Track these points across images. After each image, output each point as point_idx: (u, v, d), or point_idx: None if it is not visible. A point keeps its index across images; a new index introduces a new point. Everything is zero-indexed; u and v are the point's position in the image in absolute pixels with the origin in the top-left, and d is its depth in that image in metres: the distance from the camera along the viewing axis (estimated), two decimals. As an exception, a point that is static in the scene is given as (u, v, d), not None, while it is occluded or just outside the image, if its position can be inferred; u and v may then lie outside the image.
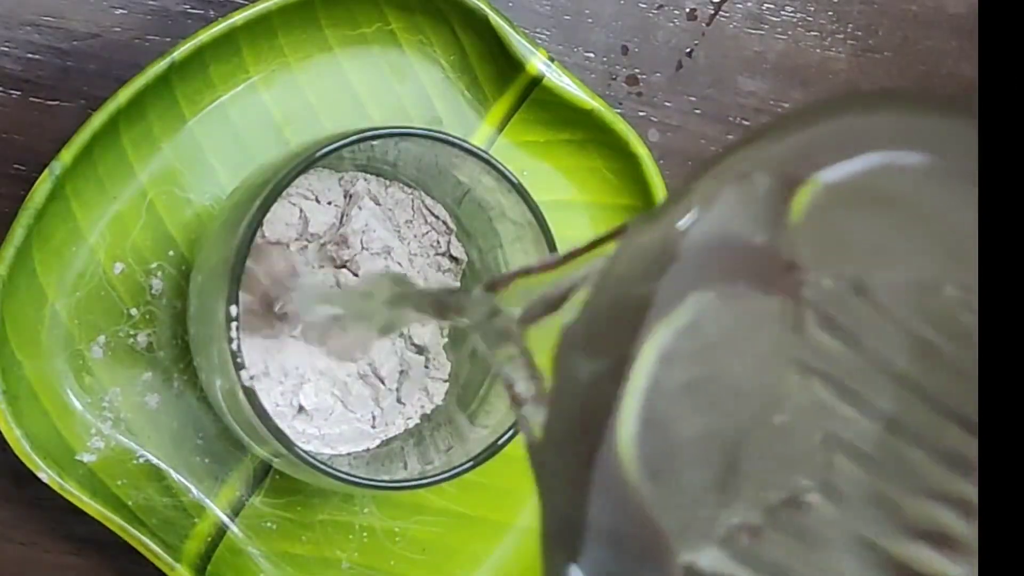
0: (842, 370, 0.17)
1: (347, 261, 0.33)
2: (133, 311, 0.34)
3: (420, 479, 0.30)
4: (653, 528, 0.17)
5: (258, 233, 0.31)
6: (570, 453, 0.18)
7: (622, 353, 0.17)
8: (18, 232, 0.32)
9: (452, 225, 0.35)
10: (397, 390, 0.35)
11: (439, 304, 0.23)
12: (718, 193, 0.17)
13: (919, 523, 0.17)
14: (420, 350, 0.35)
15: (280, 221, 0.33)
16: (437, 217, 0.35)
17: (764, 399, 0.18)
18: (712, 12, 0.41)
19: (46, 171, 0.33)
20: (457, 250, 0.35)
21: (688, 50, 0.40)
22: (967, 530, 0.16)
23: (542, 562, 0.18)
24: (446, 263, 0.35)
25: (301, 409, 0.33)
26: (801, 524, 0.18)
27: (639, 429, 0.17)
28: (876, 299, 0.17)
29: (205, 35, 0.34)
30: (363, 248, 0.33)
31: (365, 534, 0.36)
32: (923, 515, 0.17)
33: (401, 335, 0.35)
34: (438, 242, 0.35)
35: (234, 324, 0.28)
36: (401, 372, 0.35)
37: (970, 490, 0.16)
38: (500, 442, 0.31)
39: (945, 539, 0.17)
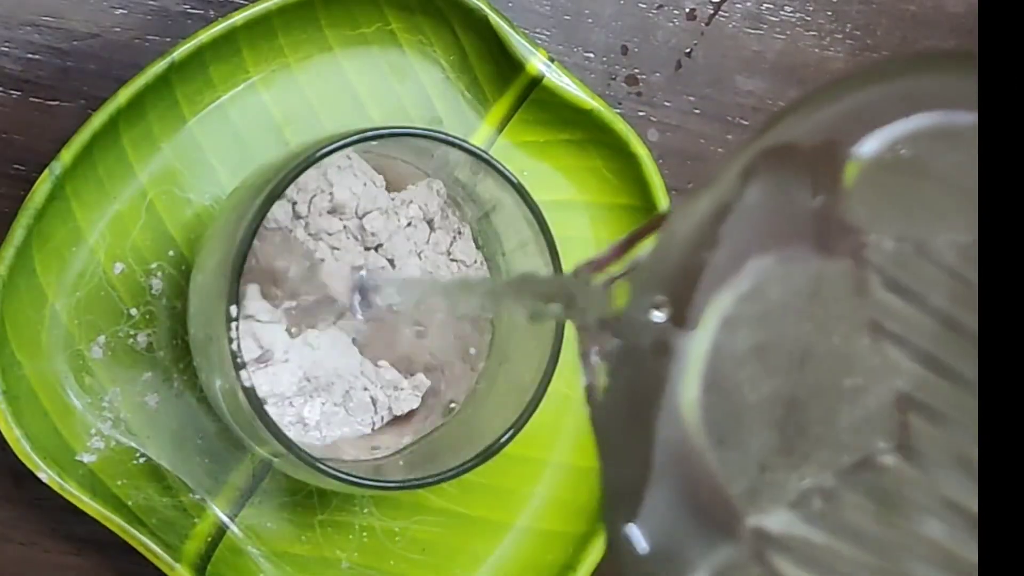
0: (912, 331, 0.17)
1: (380, 245, 0.33)
2: (133, 311, 0.34)
3: (420, 479, 0.30)
4: (718, 492, 0.17)
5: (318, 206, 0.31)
6: (632, 417, 0.18)
7: (682, 320, 0.17)
8: (18, 232, 0.32)
9: (464, 229, 0.35)
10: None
11: (559, 294, 0.22)
12: (771, 160, 0.17)
13: None
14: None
15: (347, 188, 0.32)
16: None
17: (833, 362, 0.18)
18: (711, 12, 0.41)
19: (46, 171, 0.33)
20: (463, 252, 0.35)
21: (687, 50, 0.40)
22: None
23: (602, 523, 0.18)
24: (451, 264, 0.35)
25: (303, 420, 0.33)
26: (877, 486, 0.17)
27: (702, 394, 0.17)
28: (942, 260, 0.17)
29: (205, 35, 0.34)
30: (408, 240, 0.33)
31: (365, 534, 0.36)
32: None
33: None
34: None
35: (234, 324, 0.28)
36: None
37: None
38: (500, 442, 0.31)
39: None
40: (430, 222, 0.34)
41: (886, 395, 0.18)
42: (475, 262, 0.35)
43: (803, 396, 0.18)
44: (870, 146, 0.17)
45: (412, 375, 0.34)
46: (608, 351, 0.19)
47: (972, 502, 0.17)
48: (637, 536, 0.17)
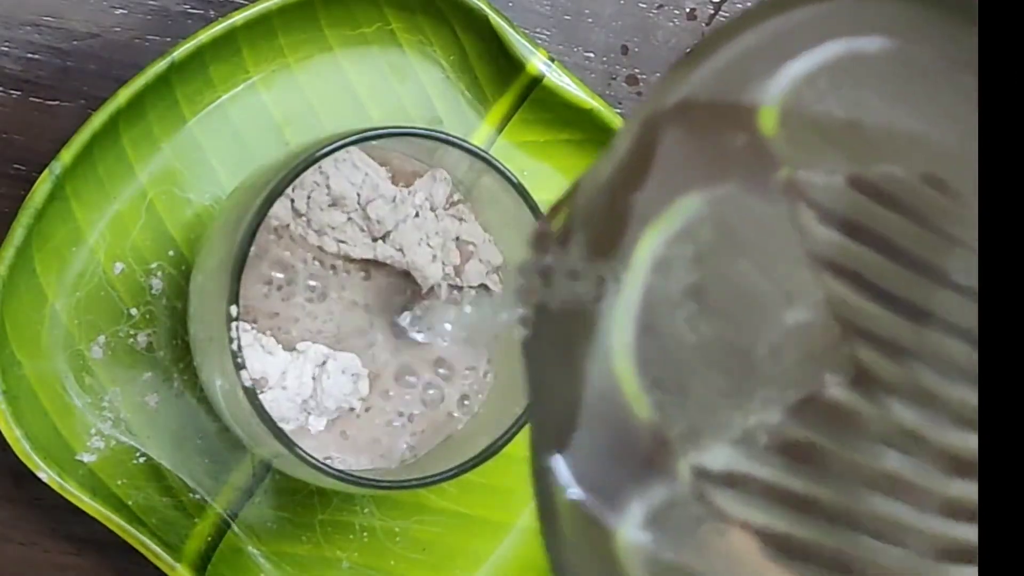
0: (855, 263, 0.17)
1: (388, 232, 0.33)
2: (133, 311, 0.34)
3: (420, 479, 0.30)
4: (653, 433, 0.17)
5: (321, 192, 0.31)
6: (563, 362, 0.18)
7: (607, 264, 0.17)
8: (18, 232, 0.32)
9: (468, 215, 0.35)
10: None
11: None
12: (692, 99, 0.17)
13: (967, 411, 0.16)
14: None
15: (345, 179, 0.32)
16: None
17: (774, 298, 0.17)
18: (712, 12, 0.41)
19: (46, 171, 0.33)
20: (470, 235, 0.34)
21: (688, 50, 0.40)
22: None
23: (530, 462, 0.18)
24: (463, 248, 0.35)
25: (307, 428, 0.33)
26: (828, 420, 0.17)
27: (636, 338, 0.17)
28: (880, 192, 0.17)
29: (205, 35, 0.34)
30: (417, 229, 0.33)
31: (365, 534, 0.36)
32: (970, 403, 0.16)
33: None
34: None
35: (234, 324, 0.28)
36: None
37: None
38: (500, 442, 0.31)
39: None
40: (436, 211, 0.34)
41: (832, 328, 0.17)
42: (484, 241, 0.34)
43: (745, 334, 0.18)
44: (781, 83, 0.17)
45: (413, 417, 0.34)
46: (540, 297, 0.19)
47: (933, 432, 0.17)
48: (563, 471, 0.17)
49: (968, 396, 0.17)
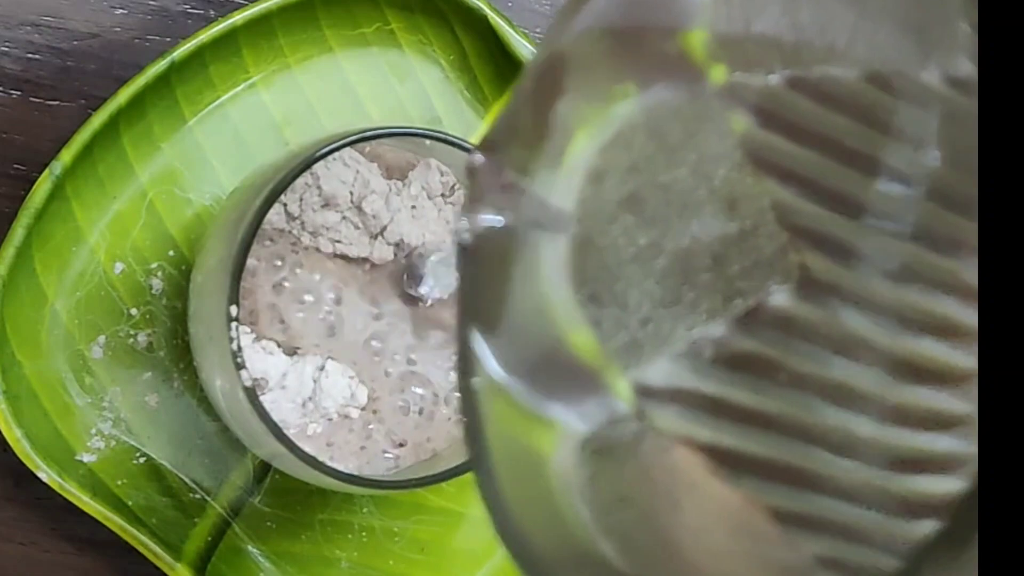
0: (798, 166, 0.16)
1: (386, 226, 0.33)
2: (133, 311, 0.34)
3: (420, 479, 0.30)
4: (589, 351, 0.16)
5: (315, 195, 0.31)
6: (498, 281, 0.17)
7: (537, 178, 0.16)
8: (18, 232, 0.32)
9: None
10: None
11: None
12: (620, 6, 0.16)
13: (919, 316, 0.16)
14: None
15: (335, 178, 0.32)
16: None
17: (715, 205, 0.17)
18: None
19: (46, 171, 0.33)
20: None
21: None
22: (970, 317, 0.15)
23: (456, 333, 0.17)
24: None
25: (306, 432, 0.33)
26: (776, 329, 0.16)
27: (570, 254, 0.16)
28: (822, 93, 0.16)
29: (205, 35, 0.34)
30: (414, 219, 0.33)
31: (364, 533, 0.36)
32: (922, 307, 0.16)
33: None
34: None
35: (234, 324, 0.28)
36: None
37: (969, 273, 0.15)
38: (500, 442, 0.30)
39: (950, 328, 0.16)
40: (433, 199, 0.34)
41: (777, 234, 0.16)
42: None
43: (686, 244, 0.17)
44: None
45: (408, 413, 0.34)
46: (477, 217, 0.18)
47: (884, 337, 0.16)
48: (497, 376, 0.16)
49: (917, 299, 0.16)
